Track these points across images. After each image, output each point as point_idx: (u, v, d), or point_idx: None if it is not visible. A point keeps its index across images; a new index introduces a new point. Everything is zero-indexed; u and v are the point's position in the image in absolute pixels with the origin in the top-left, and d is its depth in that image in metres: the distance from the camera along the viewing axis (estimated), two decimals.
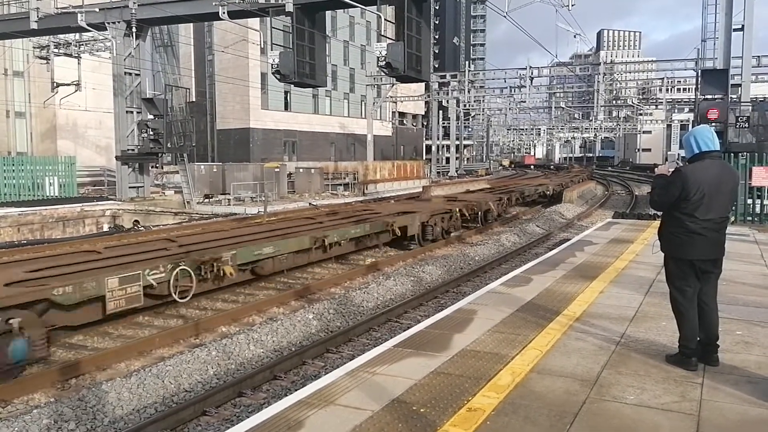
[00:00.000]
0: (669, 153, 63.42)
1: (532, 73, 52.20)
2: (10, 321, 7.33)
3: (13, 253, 14.19)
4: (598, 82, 60.08)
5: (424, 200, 23.71)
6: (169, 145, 27.24)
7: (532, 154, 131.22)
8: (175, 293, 9.80)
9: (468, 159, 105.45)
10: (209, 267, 10.42)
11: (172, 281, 9.71)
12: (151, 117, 27.40)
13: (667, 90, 65.88)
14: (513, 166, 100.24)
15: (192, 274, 10.14)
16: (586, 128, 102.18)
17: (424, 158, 74.53)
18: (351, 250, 15.70)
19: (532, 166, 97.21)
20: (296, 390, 6.00)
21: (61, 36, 31.39)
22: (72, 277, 8.73)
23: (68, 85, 33.30)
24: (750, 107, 24.18)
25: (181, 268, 9.91)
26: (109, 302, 8.72)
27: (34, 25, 27.79)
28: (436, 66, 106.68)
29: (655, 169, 6.04)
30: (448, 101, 67.85)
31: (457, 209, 19.37)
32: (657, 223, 5.97)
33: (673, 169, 5.77)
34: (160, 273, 9.56)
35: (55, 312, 8.30)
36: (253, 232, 13.76)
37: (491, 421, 4.62)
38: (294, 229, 14.46)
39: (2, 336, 7.13)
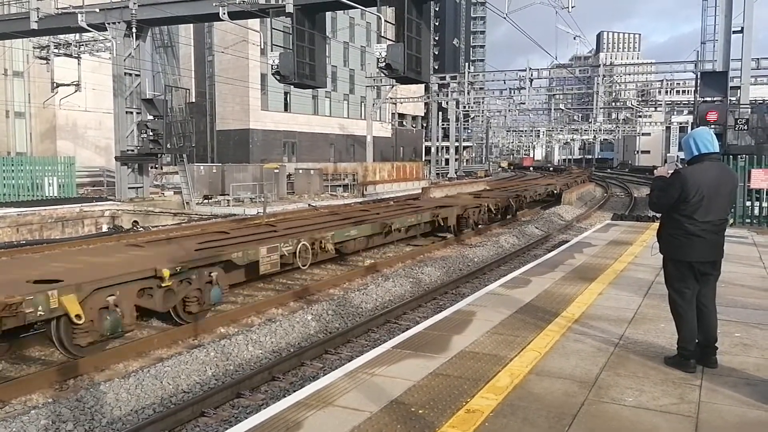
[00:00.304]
0: (668, 155, 63.49)
1: (531, 75, 52.24)
2: (212, 274, 10.15)
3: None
4: (598, 83, 60.06)
5: (451, 197, 26.41)
6: (168, 145, 27.25)
7: (531, 155, 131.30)
8: (299, 262, 12.56)
9: (467, 160, 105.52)
10: (319, 243, 13.29)
11: (297, 252, 12.50)
12: (151, 118, 27.40)
13: (667, 92, 65.89)
14: (512, 167, 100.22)
15: (309, 248, 12.91)
16: (585, 130, 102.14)
17: (423, 159, 74.54)
18: (403, 237, 18.11)
19: (531, 168, 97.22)
20: (295, 391, 6.00)
21: (61, 36, 31.38)
22: (237, 246, 11.45)
23: (68, 85, 33.29)
24: (749, 109, 24.21)
25: (302, 243, 12.75)
26: (261, 265, 11.44)
27: (34, 26, 27.79)
28: (436, 67, 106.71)
29: (655, 171, 6.05)
30: (447, 103, 67.83)
31: (485, 204, 21.77)
32: (656, 225, 5.97)
33: (672, 171, 5.77)
34: (290, 246, 12.40)
35: (231, 270, 11.14)
36: (332, 220, 16.58)
37: (490, 422, 4.62)
38: (361, 218, 16.97)
39: (207, 284, 10.01)
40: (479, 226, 21.17)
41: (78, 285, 7.96)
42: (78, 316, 7.70)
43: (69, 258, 10.47)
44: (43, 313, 7.49)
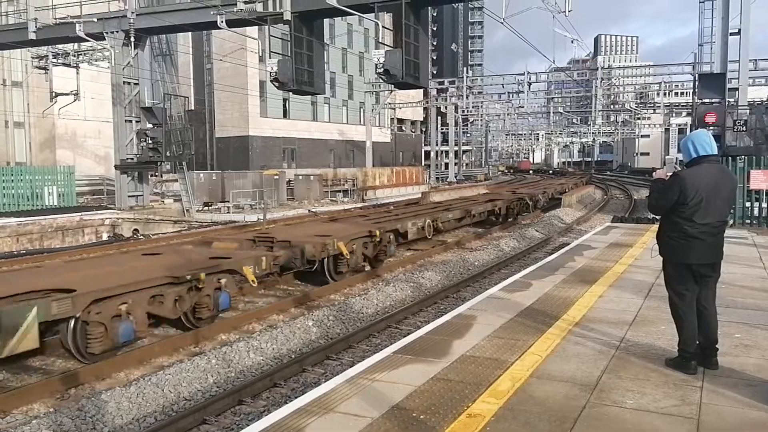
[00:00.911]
0: (667, 157, 63.51)
1: (529, 79, 52.37)
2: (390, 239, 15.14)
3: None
4: (596, 86, 60.19)
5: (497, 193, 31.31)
6: (168, 153, 27.26)
7: (530, 159, 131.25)
8: (428, 234, 17.81)
9: (467, 164, 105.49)
10: (437, 223, 18.53)
11: (426, 227, 17.73)
12: (150, 126, 27.43)
13: (665, 94, 65.98)
14: (511, 171, 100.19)
15: (432, 225, 18.08)
16: (584, 133, 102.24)
17: (423, 164, 74.56)
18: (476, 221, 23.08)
19: (530, 171, 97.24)
20: (296, 398, 5.99)
21: (60, 46, 31.43)
22: (392, 222, 16.67)
23: (67, 94, 33.33)
24: (747, 111, 24.24)
25: (428, 220, 18.03)
26: (409, 236, 16.67)
27: (32, 36, 27.84)
28: (435, 72, 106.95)
29: (653, 173, 6.05)
30: (446, 107, 67.94)
31: (526, 197, 27.27)
32: (656, 227, 5.97)
33: (671, 174, 5.78)
34: (421, 223, 17.67)
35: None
36: (430, 209, 22.21)
37: (491, 427, 4.62)
38: (447, 206, 22.75)
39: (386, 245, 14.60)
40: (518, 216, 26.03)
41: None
42: None
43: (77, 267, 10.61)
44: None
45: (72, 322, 7.99)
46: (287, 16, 21.59)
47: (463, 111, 71.04)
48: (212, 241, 13.59)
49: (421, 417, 4.80)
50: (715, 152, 5.65)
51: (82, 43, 30.43)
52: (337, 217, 19.56)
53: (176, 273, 9.46)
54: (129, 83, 28.38)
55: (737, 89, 23.73)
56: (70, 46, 31.50)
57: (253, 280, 10.69)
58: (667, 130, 79.44)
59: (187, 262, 10.59)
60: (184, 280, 9.38)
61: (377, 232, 14.44)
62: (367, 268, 14.92)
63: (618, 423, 4.67)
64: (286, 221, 23.54)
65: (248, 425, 5.05)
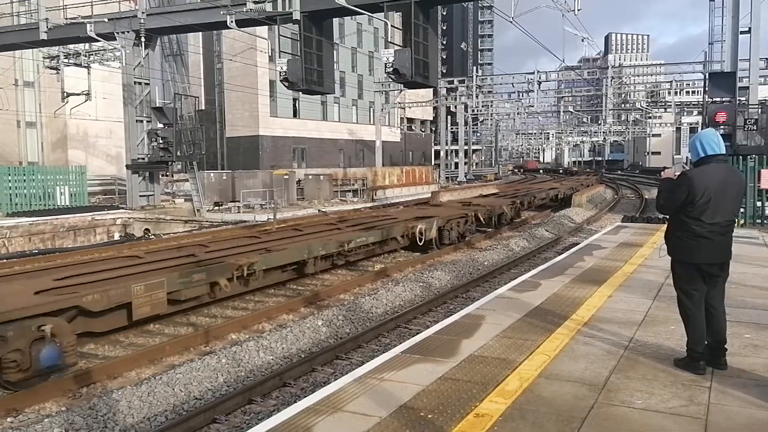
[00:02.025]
0: (675, 156, 63.17)
1: (539, 78, 52.20)
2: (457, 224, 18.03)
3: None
4: (607, 85, 59.95)
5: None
6: (178, 153, 27.36)
7: (539, 158, 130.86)
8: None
9: (477, 164, 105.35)
10: (494, 213, 21.83)
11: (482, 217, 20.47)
12: (161, 126, 27.53)
13: (676, 93, 65.64)
14: (521, 170, 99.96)
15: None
16: (595, 132, 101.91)
17: (432, 164, 74.54)
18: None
19: (541, 171, 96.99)
20: (305, 397, 6.03)
21: (71, 46, 31.61)
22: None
23: (78, 94, 33.53)
24: (758, 109, 24.09)
25: (477, 214, 20.41)
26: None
27: (43, 36, 28.01)
28: (444, 71, 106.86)
29: (662, 173, 6.05)
30: (456, 106, 67.84)
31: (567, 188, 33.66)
32: (666, 226, 5.97)
33: (679, 173, 5.78)
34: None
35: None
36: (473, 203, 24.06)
37: (499, 426, 4.64)
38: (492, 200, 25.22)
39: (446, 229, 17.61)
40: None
41: None
42: None
43: None
44: None
45: None
46: (297, 15, 21.64)
47: (473, 110, 70.95)
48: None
49: (429, 416, 4.83)
50: (723, 151, 5.64)
51: (93, 44, 30.60)
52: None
53: None
54: (140, 83, 28.52)
55: (748, 88, 23.60)
56: (81, 47, 31.68)
57: None
58: (678, 129, 79.15)
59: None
60: None
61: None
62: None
63: (626, 423, 4.68)
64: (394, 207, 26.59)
65: (258, 424, 5.08)
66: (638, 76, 69.51)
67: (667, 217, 5.91)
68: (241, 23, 24.91)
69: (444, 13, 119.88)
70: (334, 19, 24.96)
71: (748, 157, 18.25)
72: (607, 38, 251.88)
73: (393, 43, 21.06)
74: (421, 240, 16.66)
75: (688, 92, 79.69)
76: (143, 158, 28.45)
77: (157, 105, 28.34)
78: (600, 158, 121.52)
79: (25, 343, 7.45)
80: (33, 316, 7.66)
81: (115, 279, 9.76)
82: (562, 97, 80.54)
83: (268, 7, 22.42)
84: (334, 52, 26.91)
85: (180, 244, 15.48)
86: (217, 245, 14.03)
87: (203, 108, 52.47)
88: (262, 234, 16.10)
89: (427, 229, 16.96)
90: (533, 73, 52.26)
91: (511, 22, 23.66)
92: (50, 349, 7.63)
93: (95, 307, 8.57)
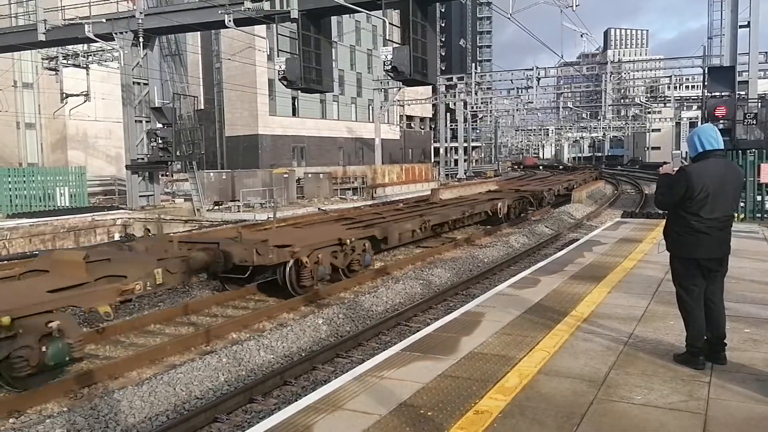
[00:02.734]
0: (674, 152, 63.14)
1: (538, 74, 52.20)
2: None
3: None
4: (606, 81, 59.94)
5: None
6: (178, 153, 27.37)
7: (539, 155, 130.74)
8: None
9: (476, 161, 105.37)
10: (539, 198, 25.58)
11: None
12: (160, 126, 27.54)
13: (675, 88, 65.63)
14: (520, 167, 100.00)
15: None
16: (594, 128, 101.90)
17: (432, 161, 74.52)
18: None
19: (540, 167, 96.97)
20: (306, 395, 6.04)
21: (70, 47, 31.64)
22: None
23: (77, 95, 33.58)
24: (758, 104, 24.09)
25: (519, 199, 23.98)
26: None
27: (42, 37, 28.01)
28: (443, 68, 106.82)
29: (660, 168, 6.06)
30: (455, 103, 67.86)
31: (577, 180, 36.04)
32: (665, 222, 5.98)
33: (677, 168, 5.79)
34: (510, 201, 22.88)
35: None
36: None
37: (498, 423, 4.65)
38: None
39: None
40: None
41: None
42: None
43: None
44: None
45: None
46: (295, 14, 21.65)
47: (472, 107, 70.93)
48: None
49: (429, 414, 4.84)
50: (722, 147, 5.65)
51: (91, 44, 30.62)
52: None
53: None
54: (139, 83, 28.53)
55: (747, 82, 23.60)
56: (79, 47, 31.72)
57: None
58: (678, 123, 79.00)
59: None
60: None
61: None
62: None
63: (625, 419, 4.69)
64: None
65: (259, 422, 5.10)
66: (637, 71, 69.49)
67: (666, 212, 5.92)
68: (239, 22, 24.92)
69: (442, 11, 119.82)
70: (332, 17, 24.97)
71: (748, 151, 18.26)
72: (606, 34, 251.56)
73: (391, 41, 21.11)
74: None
75: (687, 87, 79.51)
76: (143, 158, 28.46)
77: (156, 105, 28.35)
78: (600, 154, 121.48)
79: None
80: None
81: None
82: (562, 93, 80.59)
83: (266, 5, 22.45)
84: (333, 50, 26.93)
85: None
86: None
87: (202, 107, 52.47)
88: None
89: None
90: (532, 69, 52.27)
91: (509, 18, 23.66)
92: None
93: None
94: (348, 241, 13.19)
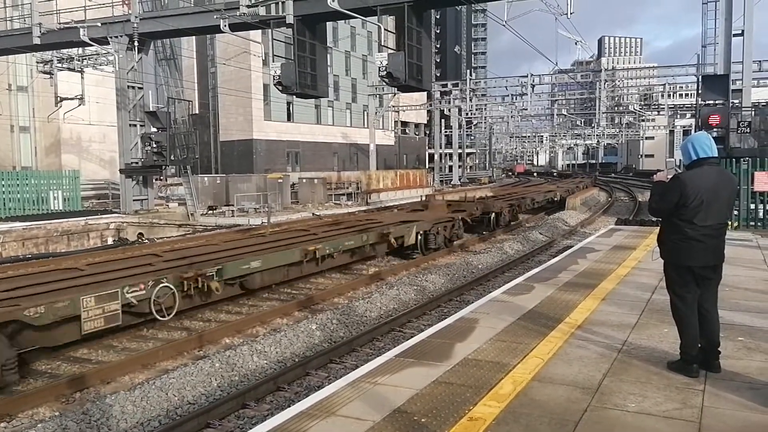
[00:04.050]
0: (668, 160, 63.34)
1: (533, 81, 52.32)
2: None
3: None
4: (600, 88, 60.12)
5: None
6: (172, 157, 27.32)
7: (533, 161, 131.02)
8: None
9: (471, 167, 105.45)
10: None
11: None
12: (155, 130, 27.51)
13: (669, 96, 65.86)
14: (512, 174, 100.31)
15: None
16: (588, 135, 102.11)
17: (426, 167, 74.59)
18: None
19: (534, 173, 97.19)
20: (299, 401, 6.01)
21: (64, 51, 31.57)
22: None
23: (72, 99, 33.47)
24: (751, 112, 24.18)
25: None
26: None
27: (36, 41, 27.96)
28: (438, 75, 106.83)
29: (654, 176, 6.06)
30: (450, 110, 67.94)
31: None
32: (659, 229, 5.99)
33: (671, 176, 5.79)
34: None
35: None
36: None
37: (492, 430, 4.64)
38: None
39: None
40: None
41: None
42: None
43: None
44: None
45: None
46: (290, 19, 21.65)
47: (467, 113, 71.06)
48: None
49: (423, 420, 4.82)
50: (716, 154, 5.65)
51: (86, 48, 30.56)
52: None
53: None
54: (133, 87, 28.49)
55: (741, 90, 23.68)
56: (74, 51, 31.65)
57: None
58: (671, 131, 79.28)
59: None
60: None
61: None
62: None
63: (619, 426, 4.68)
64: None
65: (252, 428, 5.07)
66: (631, 79, 69.71)
67: (660, 220, 5.92)
68: (235, 27, 24.91)
69: (437, 17, 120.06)
70: (327, 22, 25.00)
71: (742, 159, 18.31)
72: (600, 41, 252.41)
73: (387, 47, 21.10)
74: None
75: (681, 95, 79.99)
76: (137, 162, 28.40)
77: (151, 109, 28.31)
78: (594, 161, 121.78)
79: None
80: None
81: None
82: (556, 100, 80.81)
83: (262, 11, 22.43)
84: (328, 55, 26.97)
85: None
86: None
87: (197, 112, 52.42)
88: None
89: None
90: (527, 76, 52.37)
91: (504, 25, 23.72)
92: None
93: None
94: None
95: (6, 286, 9.40)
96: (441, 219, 19.10)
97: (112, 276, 10.27)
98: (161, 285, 9.95)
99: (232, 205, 31.09)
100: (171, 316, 10.17)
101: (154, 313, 9.84)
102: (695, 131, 25.16)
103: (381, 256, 17.11)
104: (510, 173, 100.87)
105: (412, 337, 7.95)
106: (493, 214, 22.90)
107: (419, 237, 17.34)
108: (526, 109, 69.85)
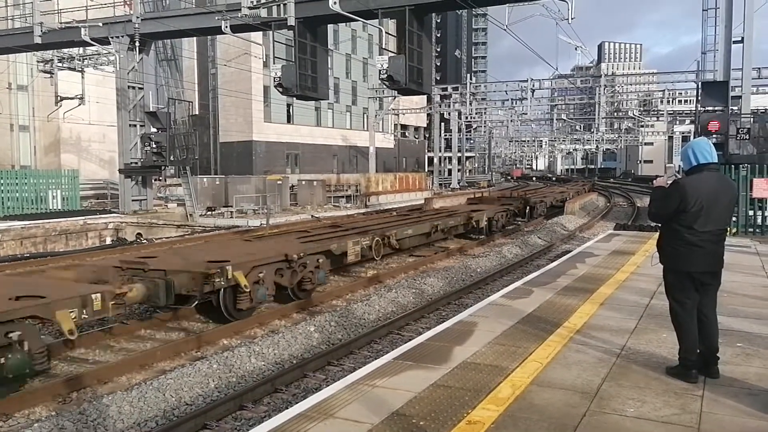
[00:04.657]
0: (668, 165, 63.40)
1: (533, 86, 52.40)
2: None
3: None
4: (599, 94, 60.20)
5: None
6: (171, 158, 27.32)
7: (532, 166, 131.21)
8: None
9: (470, 171, 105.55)
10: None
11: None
12: (155, 130, 27.51)
13: (669, 102, 65.95)
14: (510, 178, 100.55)
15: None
16: (587, 140, 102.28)
17: (426, 170, 74.63)
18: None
19: (534, 178, 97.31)
20: (297, 403, 6.00)
21: (65, 50, 31.58)
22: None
23: (72, 98, 33.47)
24: (751, 119, 24.21)
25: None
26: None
27: (38, 40, 27.97)
28: (438, 78, 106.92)
29: (654, 181, 6.07)
30: (450, 113, 68.00)
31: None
32: (658, 234, 5.99)
33: (671, 182, 5.79)
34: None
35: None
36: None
37: None
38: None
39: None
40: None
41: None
42: None
43: None
44: None
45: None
46: (291, 21, 21.66)
47: (467, 117, 71.08)
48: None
49: (421, 423, 4.81)
50: (716, 160, 5.65)
51: (87, 48, 30.58)
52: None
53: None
54: (134, 88, 28.50)
55: (740, 97, 23.71)
56: (75, 51, 31.67)
57: None
58: (670, 137, 79.43)
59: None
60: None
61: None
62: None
63: (618, 431, 4.67)
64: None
65: (249, 430, 5.06)
66: (631, 84, 69.79)
67: (660, 225, 5.92)
68: (236, 29, 24.93)
69: (438, 21, 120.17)
70: (328, 25, 25.01)
71: (741, 166, 18.33)
72: (600, 47, 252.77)
73: (387, 50, 21.14)
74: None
75: (680, 101, 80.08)
76: (136, 162, 28.40)
77: (151, 109, 28.32)
78: (593, 166, 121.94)
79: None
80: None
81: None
82: (556, 105, 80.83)
83: (263, 12, 22.44)
84: (329, 58, 26.99)
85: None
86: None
87: (197, 113, 52.41)
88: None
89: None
90: (527, 80, 52.46)
91: (505, 30, 23.74)
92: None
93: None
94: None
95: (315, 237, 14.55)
96: (498, 209, 24.52)
97: (342, 235, 15.24)
98: (376, 238, 15.26)
99: (231, 207, 31.08)
100: (380, 257, 15.64)
101: (375, 254, 15.23)
102: (694, 137, 25.17)
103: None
104: (510, 177, 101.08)
105: (410, 340, 7.94)
106: (528, 207, 28.90)
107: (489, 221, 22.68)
108: (526, 114, 69.92)
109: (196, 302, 10.37)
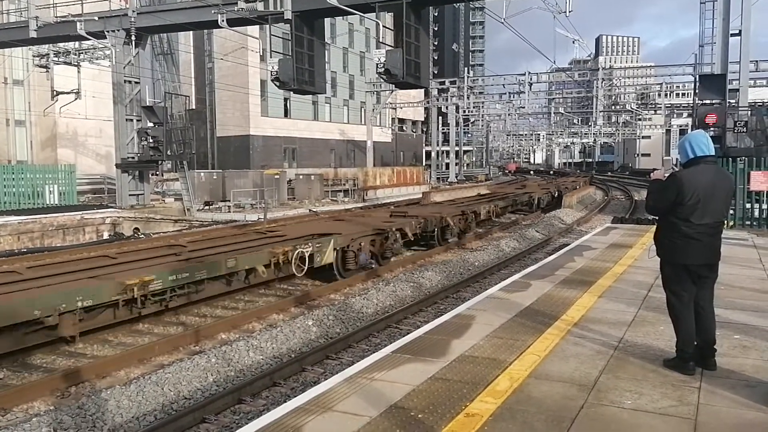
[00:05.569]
0: (665, 158, 63.42)
1: (530, 79, 52.33)
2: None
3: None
4: (597, 87, 60.17)
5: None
6: (168, 152, 27.24)
7: (529, 159, 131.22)
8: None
9: (468, 165, 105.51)
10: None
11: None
12: (151, 125, 27.42)
13: (666, 95, 65.90)
14: (506, 172, 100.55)
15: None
16: (585, 133, 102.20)
17: (423, 164, 74.59)
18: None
19: (531, 172, 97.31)
20: (295, 396, 6.00)
21: (61, 44, 31.44)
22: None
23: (68, 93, 33.36)
24: (748, 112, 24.22)
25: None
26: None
27: (33, 34, 27.85)
28: (436, 72, 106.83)
29: (651, 174, 6.07)
30: (447, 107, 67.93)
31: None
32: (655, 227, 5.99)
33: (668, 174, 5.79)
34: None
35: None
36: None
37: (489, 426, 4.64)
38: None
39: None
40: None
41: None
42: None
43: None
44: None
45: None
46: (288, 15, 21.60)
47: (464, 111, 71.01)
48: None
49: (420, 416, 4.82)
50: (713, 153, 5.65)
51: (83, 42, 30.45)
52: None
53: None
54: (130, 82, 28.40)
55: (738, 90, 23.73)
56: (71, 45, 31.51)
57: None
58: (668, 131, 79.43)
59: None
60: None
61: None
62: None
63: (615, 423, 4.68)
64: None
65: (248, 423, 5.07)
66: (629, 78, 69.76)
67: (657, 218, 5.92)
68: (233, 22, 24.84)
69: (436, 14, 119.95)
70: (325, 18, 24.94)
71: (738, 158, 18.34)
72: (597, 40, 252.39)
73: (385, 44, 21.08)
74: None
75: (678, 94, 79.89)
76: (133, 157, 28.31)
77: (148, 104, 28.23)
78: (590, 160, 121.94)
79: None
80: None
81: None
82: (553, 98, 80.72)
83: (260, 6, 22.35)
84: (326, 52, 26.92)
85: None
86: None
87: (194, 107, 52.28)
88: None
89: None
90: (524, 74, 52.39)
91: (502, 23, 23.70)
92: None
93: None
94: None
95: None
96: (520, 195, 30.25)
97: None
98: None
99: (229, 201, 31.05)
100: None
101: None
102: (692, 130, 25.16)
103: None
104: (508, 171, 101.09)
105: (408, 333, 7.94)
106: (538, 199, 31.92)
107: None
108: (524, 107, 69.77)
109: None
